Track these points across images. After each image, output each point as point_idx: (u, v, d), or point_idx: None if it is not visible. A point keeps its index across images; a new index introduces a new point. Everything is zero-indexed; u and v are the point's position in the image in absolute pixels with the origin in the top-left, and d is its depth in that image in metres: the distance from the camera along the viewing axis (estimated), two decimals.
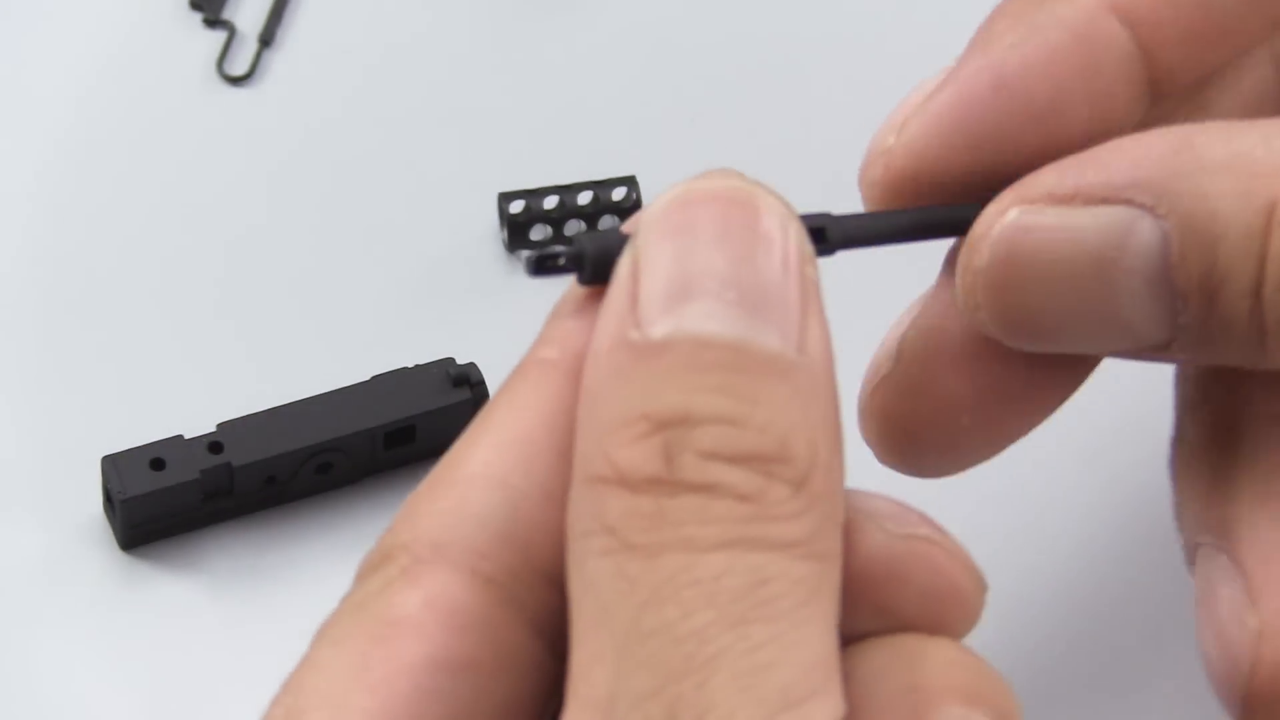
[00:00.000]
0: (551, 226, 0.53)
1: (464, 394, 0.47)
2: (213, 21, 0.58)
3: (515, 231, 0.53)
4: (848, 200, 0.54)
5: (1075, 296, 0.34)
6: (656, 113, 0.56)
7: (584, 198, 0.53)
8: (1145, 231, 0.33)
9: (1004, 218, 0.34)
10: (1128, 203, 0.33)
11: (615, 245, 0.32)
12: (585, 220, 0.53)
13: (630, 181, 0.53)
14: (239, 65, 0.58)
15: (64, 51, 0.58)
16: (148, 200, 0.55)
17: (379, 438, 0.47)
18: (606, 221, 0.53)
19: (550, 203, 0.53)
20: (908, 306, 0.38)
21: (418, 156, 0.56)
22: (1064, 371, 0.37)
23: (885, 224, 0.36)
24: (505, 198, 0.53)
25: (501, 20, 0.59)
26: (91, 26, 0.58)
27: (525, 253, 0.53)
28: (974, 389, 0.36)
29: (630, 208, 0.53)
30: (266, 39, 0.58)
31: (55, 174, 0.55)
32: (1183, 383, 0.39)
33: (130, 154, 0.56)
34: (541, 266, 0.33)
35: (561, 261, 0.33)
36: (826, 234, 0.35)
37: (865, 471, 0.32)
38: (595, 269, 0.33)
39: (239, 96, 0.57)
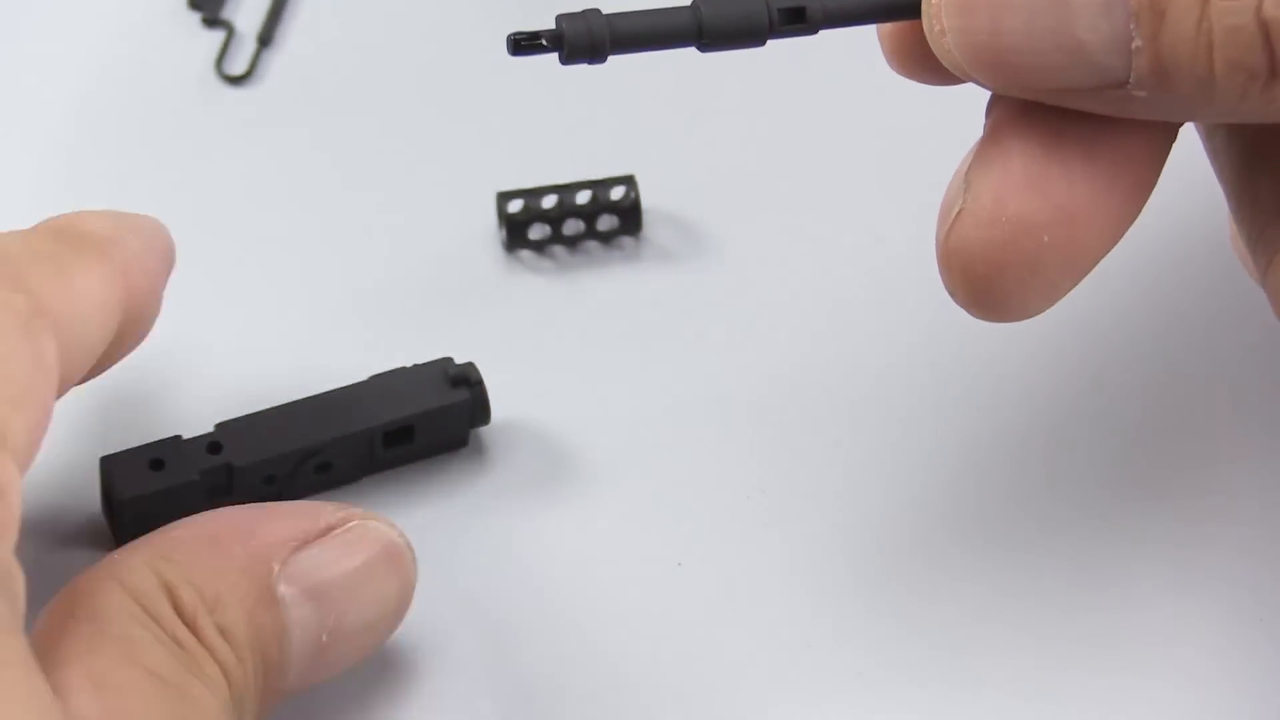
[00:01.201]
0: (550, 225, 0.53)
1: (462, 394, 0.47)
2: (211, 21, 0.59)
3: (514, 231, 0.53)
4: (842, 203, 0.55)
5: (1033, 14, 0.35)
6: (655, 111, 0.56)
7: (582, 197, 0.53)
8: None
9: None
10: None
11: (595, 24, 0.35)
12: (584, 219, 0.53)
13: (629, 180, 0.53)
14: (238, 65, 0.58)
15: (62, 51, 0.58)
16: (145, 200, 0.54)
17: (378, 437, 0.47)
18: (605, 221, 0.53)
19: (549, 202, 0.53)
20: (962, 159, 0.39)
21: (416, 156, 0.56)
22: (1128, 179, 0.38)
23: (865, 1, 0.38)
24: (504, 197, 0.53)
25: (500, 19, 0.58)
26: (89, 26, 0.59)
27: (524, 252, 0.53)
28: (1048, 203, 0.37)
29: (629, 207, 0.53)
30: (265, 39, 0.58)
31: (54, 173, 0.55)
32: (1217, 160, 0.41)
33: (128, 154, 0.56)
34: (521, 46, 0.35)
35: (543, 41, 0.35)
36: (806, 13, 0.37)
37: None
38: (573, 48, 0.35)
39: (238, 96, 0.57)
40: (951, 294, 0.38)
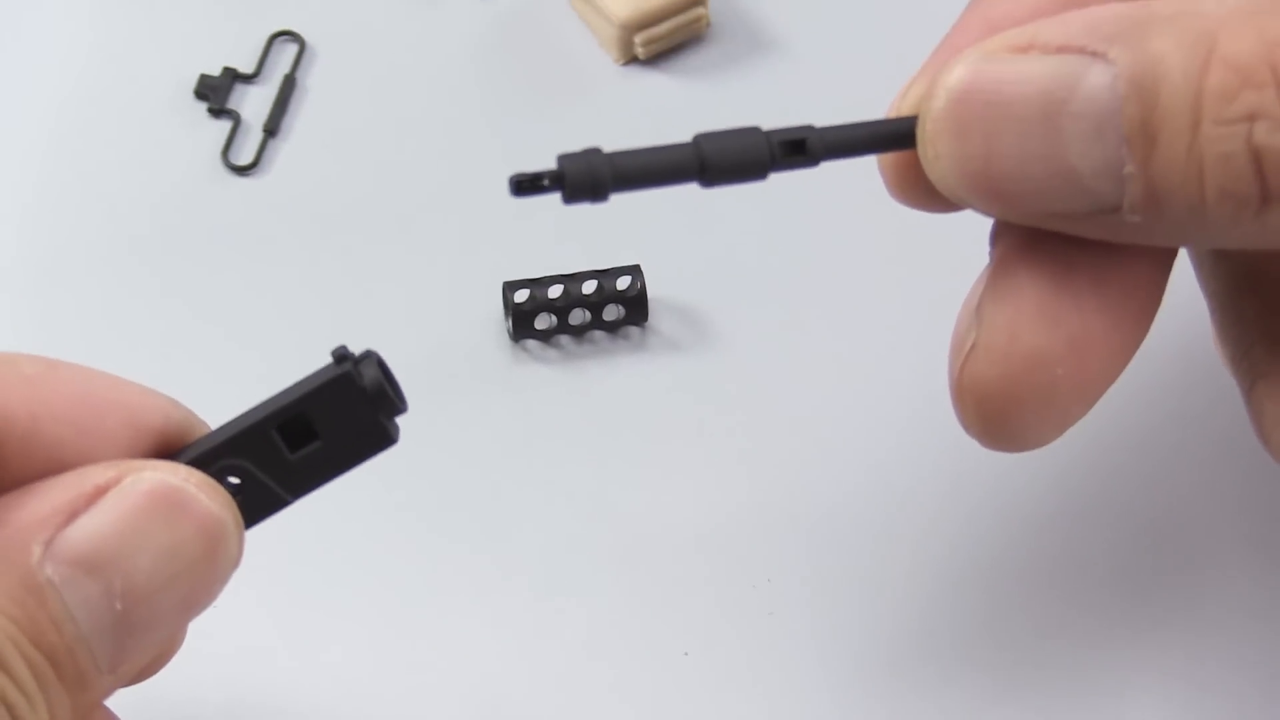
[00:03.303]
0: (556, 315, 0.54)
1: (345, 368, 0.39)
2: (218, 111, 0.60)
3: (520, 320, 0.54)
4: (848, 296, 0.55)
5: (1025, 140, 0.35)
6: (661, 201, 0.56)
7: (588, 286, 0.54)
8: (1095, 76, 0.34)
9: (961, 64, 0.36)
10: (1081, 50, 0.35)
11: (596, 164, 0.35)
12: (590, 309, 0.54)
13: (635, 270, 0.54)
14: (244, 155, 0.59)
15: (69, 138, 0.59)
16: (152, 289, 0.56)
17: (275, 437, 0.39)
18: (611, 310, 0.54)
19: (555, 291, 0.54)
20: (971, 287, 0.39)
21: (422, 245, 0.57)
22: (1135, 304, 0.38)
23: (863, 133, 0.38)
24: (510, 286, 0.54)
25: (504, 109, 0.60)
26: (96, 114, 0.60)
27: (530, 341, 0.54)
28: (1061, 335, 0.37)
29: (635, 296, 0.54)
30: (271, 129, 0.59)
31: (60, 263, 0.56)
32: (1203, 276, 0.42)
33: (135, 242, 0.57)
34: (523, 188, 0.35)
35: (545, 182, 0.35)
36: (806, 145, 0.37)
37: None
38: (575, 188, 0.35)
39: (244, 185, 0.58)
40: (965, 427, 0.39)
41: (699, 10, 0.61)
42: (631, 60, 0.61)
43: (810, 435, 0.53)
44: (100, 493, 0.34)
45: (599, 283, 0.54)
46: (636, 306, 0.54)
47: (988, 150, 0.36)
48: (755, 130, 0.37)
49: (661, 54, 0.61)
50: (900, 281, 0.56)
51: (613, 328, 0.54)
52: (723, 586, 0.50)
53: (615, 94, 0.60)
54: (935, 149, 0.36)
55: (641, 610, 0.49)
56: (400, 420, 0.39)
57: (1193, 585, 0.50)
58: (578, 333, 0.54)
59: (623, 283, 0.54)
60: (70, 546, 0.34)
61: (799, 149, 0.37)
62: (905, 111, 0.38)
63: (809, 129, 0.37)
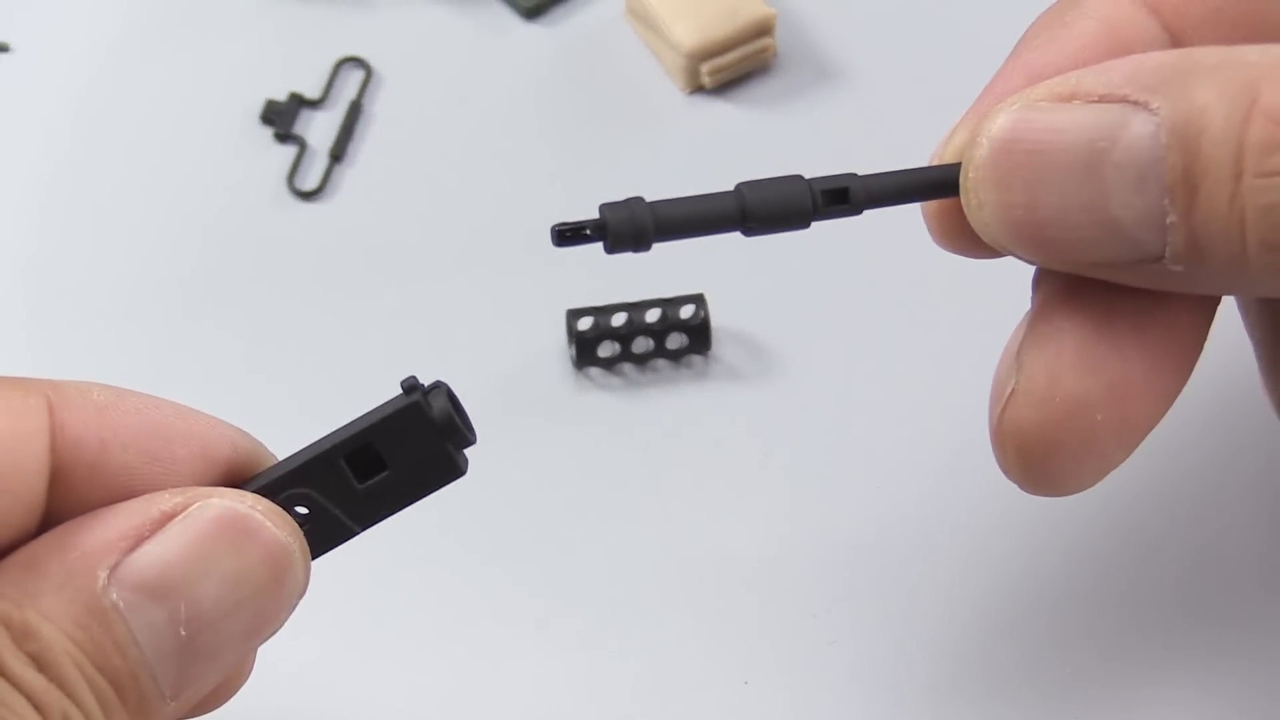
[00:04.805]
0: (619, 343, 0.55)
1: (414, 398, 0.39)
2: (283, 137, 0.61)
3: (583, 348, 0.54)
4: (910, 326, 0.56)
5: (1068, 189, 0.35)
6: None
7: (652, 315, 0.55)
8: (1137, 125, 0.35)
9: (1004, 112, 0.36)
10: (1123, 100, 0.35)
11: (639, 213, 0.35)
12: (653, 337, 0.55)
13: (698, 299, 0.55)
14: (310, 180, 0.60)
15: (136, 165, 0.61)
16: (215, 316, 0.57)
17: (344, 465, 0.39)
18: (674, 339, 0.55)
19: (618, 319, 0.55)
20: (1011, 333, 0.39)
21: (487, 271, 0.58)
22: (1176, 351, 0.38)
23: (906, 181, 0.38)
24: (573, 314, 0.55)
25: (569, 137, 0.61)
26: (163, 140, 0.61)
27: (594, 369, 0.55)
28: (1101, 381, 0.37)
29: (699, 325, 0.54)
30: (337, 154, 0.61)
31: (127, 292, 0.58)
32: (1250, 322, 0.42)
33: (201, 268, 0.58)
34: (565, 238, 0.35)
35: (587, 232, 0.35)
36: (850, 195, 0.37)
37: None
38: (617, 238, 0.35)
39: (310, 210, 0.60)
40: (1006, 472, 0.39)
41: (766, 40, 0.62)
42: (698, 89, 0.62)
43: (871, 466, 0.53)
44: (167, 519, 0.35)
45: (663, 311, 0.55)
46: (700, 335, 0.55)
47: (1030, 199, 0.36)
48: (798, 179, 0.37)
49: (728, 84, 0.62)
50: (965, 315, 0.56)
51: (676, 356, 0.55)
52: (783, 615, 0.50)
53: (681, 123, 0.61)
54: (978, 197, 0.37)
55: (701, 638, 0.50)
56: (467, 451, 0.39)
57: (1232, 623, 0.50)
58: (641, 361, 0.55)
59: (686, 311, 0.55)
60: (136, 572, 0.35)
61: (842, 198, 0.37)
62: (948, 159, 0.38)
63: (852, 177, 0.37)
